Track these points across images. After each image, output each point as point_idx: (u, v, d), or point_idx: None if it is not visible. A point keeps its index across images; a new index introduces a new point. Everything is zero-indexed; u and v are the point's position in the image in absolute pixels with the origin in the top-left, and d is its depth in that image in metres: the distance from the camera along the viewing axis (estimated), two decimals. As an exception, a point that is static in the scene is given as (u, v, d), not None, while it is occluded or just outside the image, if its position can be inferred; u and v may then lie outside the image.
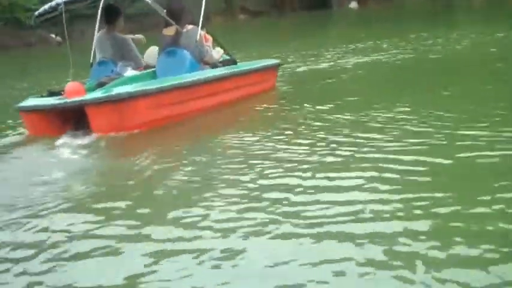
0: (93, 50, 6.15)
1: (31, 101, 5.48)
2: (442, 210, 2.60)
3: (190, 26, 5.79)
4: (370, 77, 7.58)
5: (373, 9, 24.93)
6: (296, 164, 3.58)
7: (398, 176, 3.12)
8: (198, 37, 5.74)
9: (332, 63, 8.98)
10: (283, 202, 2.95)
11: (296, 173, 3.39)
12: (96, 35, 6.15)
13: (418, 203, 2.71)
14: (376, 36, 12.03)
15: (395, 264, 2.17)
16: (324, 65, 8.87)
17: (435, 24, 15.57)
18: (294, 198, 3.00)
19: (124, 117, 5.00)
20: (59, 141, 4.91)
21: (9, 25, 24.97)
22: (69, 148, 4.73)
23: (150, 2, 5.53)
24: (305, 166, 3.52)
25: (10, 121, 6.42)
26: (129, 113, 5.02)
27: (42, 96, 5.57)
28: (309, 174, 3.34)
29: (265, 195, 3.08)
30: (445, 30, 12.34)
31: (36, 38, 24.90)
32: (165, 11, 5.80)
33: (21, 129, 5.77)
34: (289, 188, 3.14)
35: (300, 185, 3.17)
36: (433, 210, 2.62)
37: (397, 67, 8.07)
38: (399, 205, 2.72)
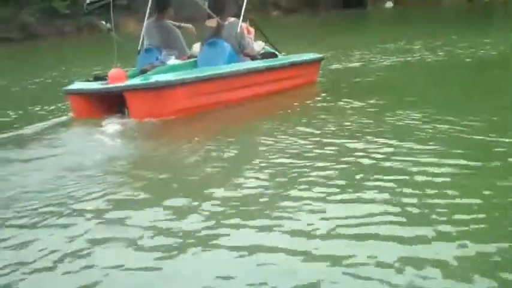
0: (141, 37, 6.34)
1: (77, 85, 5.72)
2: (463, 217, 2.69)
3: (232, 19, 5.95)
4: (402, 77, 7.63)
5: (409, 8, 24.66)
6: (325, 167, 3.59)
7: (430, 184, 3.15)
8: (238, 29, 5.89)
9: (364, 62, 9.03)
10: (316, 203, 3.00)
11: (325, 175, 3.40)
12: (146, 22, 6.34)
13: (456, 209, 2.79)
14: (410, 37, 12.01)
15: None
16: (357, 64, 8.93)
17: (471, 26, 15.41)
18: (321, 203, 3.01)
19: (161, 104, 5.19)
20: (98, 127, 5.06)
21: (46, 14, 25.42)
22: (107, 134, 4.88)
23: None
24: (337, 167, 3.54)
25: (55, 106, 6.58)
26: (165, 100, 5.20)
27: (88, 81, 5.80)
28: (341, 180, 3.34)
29: (298, 195, 3.14)
30: (480, 33, 12.23)
31: (71, 28, 25.34)
32: (206, 2, 5.94)
33: (65, 113, 5.95)
34: (317, 195, 3.14)
35: (333, 187, 3.19)
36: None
37: (429, 69, 8.08)
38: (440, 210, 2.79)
